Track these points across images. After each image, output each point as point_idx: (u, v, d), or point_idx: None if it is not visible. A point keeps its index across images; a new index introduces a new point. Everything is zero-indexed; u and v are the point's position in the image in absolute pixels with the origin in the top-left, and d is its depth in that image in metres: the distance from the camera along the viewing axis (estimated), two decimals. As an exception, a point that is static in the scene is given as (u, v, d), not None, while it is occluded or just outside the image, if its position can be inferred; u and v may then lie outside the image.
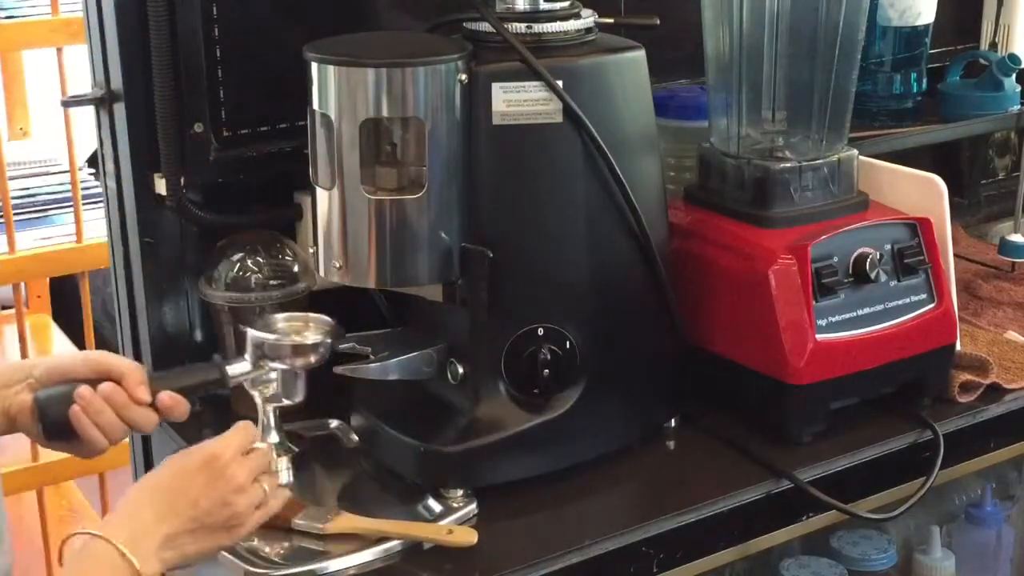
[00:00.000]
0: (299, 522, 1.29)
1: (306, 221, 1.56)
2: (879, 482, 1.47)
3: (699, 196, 1.56)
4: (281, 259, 1.56)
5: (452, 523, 1.30)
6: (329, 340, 1.38)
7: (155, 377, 1.30)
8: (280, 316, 1.42)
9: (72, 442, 1.26)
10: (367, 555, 1.26)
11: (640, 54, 1.39)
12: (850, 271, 1.46)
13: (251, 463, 1.22)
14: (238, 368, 1.35)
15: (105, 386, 1.25)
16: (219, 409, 1.51)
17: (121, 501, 1.18)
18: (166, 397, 1.27)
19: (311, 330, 1.40)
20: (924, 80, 2.01)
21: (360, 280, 1.37)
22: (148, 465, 1.62)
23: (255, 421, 1.41)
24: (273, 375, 1.36)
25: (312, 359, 1.36)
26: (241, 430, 1.24)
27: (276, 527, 1.29)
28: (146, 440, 1.64)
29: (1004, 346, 1.66)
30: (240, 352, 1.39)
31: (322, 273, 1.40)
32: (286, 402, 1.38)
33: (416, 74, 1.29)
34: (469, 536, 1.25)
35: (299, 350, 1.36)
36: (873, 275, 1.46)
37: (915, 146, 1.94)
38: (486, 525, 1.30)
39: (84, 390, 1.24)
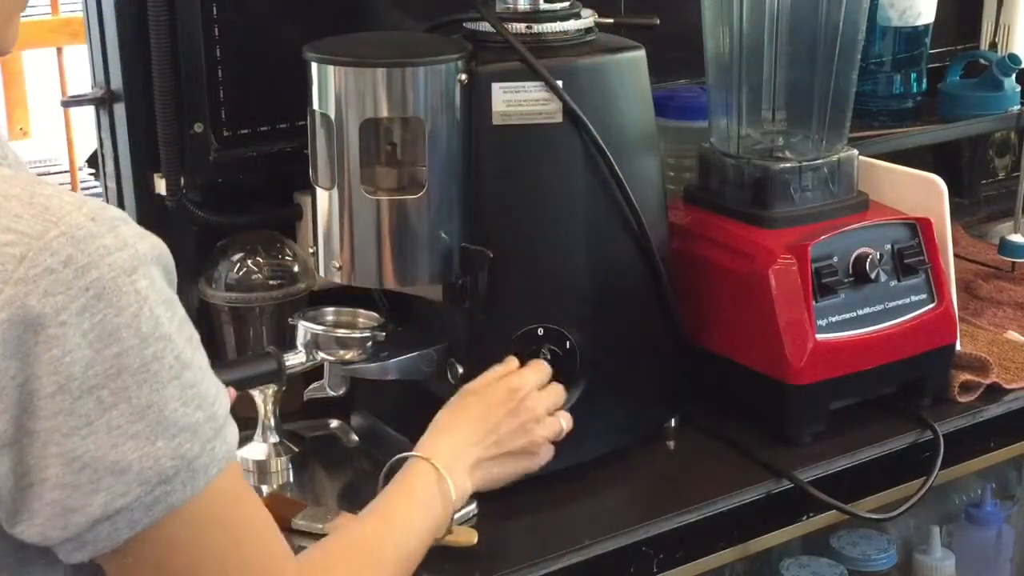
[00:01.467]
0: (299, 522, 1.29)
1: (306, 221, 1.56)
2: (879, 482, 1.47)
3: (699, 196, 1.56)
4: (281, 259, 1.56)
5: (452, 523, 1.29)
6: (383, 334, 1.38)
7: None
8: (328, 310, 1.42)
9: None
10: (367, 555, 1.25)
11: (640, 54, 1.39)
12: (850, 271, 1.46)
13: (547, 399, 1.31)
14: (294, 359, 1.36)
15: None
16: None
17: (433, 426, 1.26)
18: None
19: (360, 325, 1.41)
20: (924, 80, 2.01)
21: (360, 280, 1.37)
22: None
23: (254, 421, 1.42)
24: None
25: (361, 352, 1.37)
26: (537, 367, 1.32)
27: None
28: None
29: (1004, 346, 1.66)
30: (243, 349, 1.39)
31: (322, 273, 1.40)
32: (331, 393, 1.39)
33: (416, 74, 1.29)
34: (469, 536, 1.25)
35: (351, 343, 1.37)
36: (873, 275, 1.46)
37: (915, 146, 1.94)
38: (486, 525, 1.30)
39: None
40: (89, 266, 0.83)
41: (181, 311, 0.90)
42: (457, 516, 1.30)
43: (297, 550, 1.26)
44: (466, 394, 1.29)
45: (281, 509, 1.30)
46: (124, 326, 0.84)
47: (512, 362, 1.33)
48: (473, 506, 1.32)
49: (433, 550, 1.25)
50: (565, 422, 1.32)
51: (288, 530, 1.29)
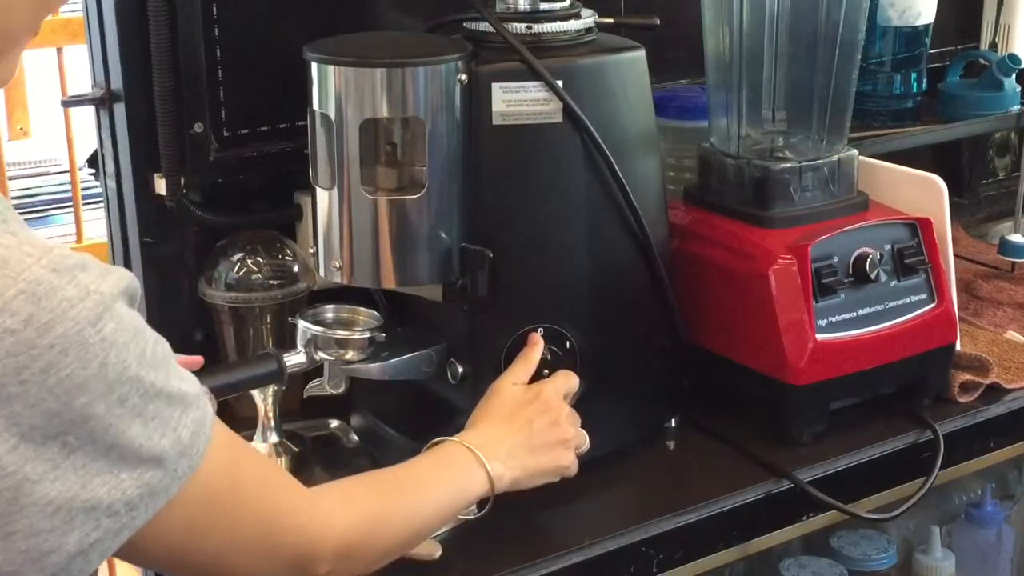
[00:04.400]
0: None
1: (306, 221, 1.56)
2: (879, 482, 1.47)
3: (699, 196, 1.56)
4: (281, 259, 1.56)
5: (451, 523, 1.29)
6: (383, 334, 1.38)
7: (209, 371, 1.30)
8: (328, 307, 1.42)
9: None
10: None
11: (640, 54, 1.39)
12: (850, 271, 1.46)
13: (568, 407, 1.31)
14: (295, 360, 1.36)
15: None
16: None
17: (467, 425, 1.28)
18: None
19: (359, 323, 1.41)
20: (924, 80, 2.01)
21: (360, 280, 1.37)
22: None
23: (254, 421, 1.42)
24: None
25: (361, 352, 1.37)
26: (566, 376, 1.34)
27: None
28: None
29: (1004, 346, 1.66)
30: (243, 349, 1.38)
31: (322, 273, 1.40)
32: (331, 391, 1.39)
33: (416, 74, 1.29)
34: (431, 548, 1.24)
35: (350, 343, 1.37)
36: (873, 275, 1.46)
37: (915, 146, 1.94)
38: (486, 525, 1.29)
39: None
40: (52, 323, 0.80)
41: (146, 334, 0.87)
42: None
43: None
44: (496, 393, 1.29)
45: None
46: (91, 377, 0.82)
47: (536, 348, 1.34)
48: (473, 506, 1.32)
49: (448, 551, 1.25)
50: (586, 437, 1.32)
51: None
